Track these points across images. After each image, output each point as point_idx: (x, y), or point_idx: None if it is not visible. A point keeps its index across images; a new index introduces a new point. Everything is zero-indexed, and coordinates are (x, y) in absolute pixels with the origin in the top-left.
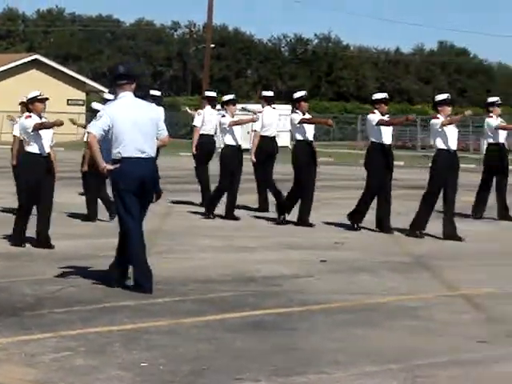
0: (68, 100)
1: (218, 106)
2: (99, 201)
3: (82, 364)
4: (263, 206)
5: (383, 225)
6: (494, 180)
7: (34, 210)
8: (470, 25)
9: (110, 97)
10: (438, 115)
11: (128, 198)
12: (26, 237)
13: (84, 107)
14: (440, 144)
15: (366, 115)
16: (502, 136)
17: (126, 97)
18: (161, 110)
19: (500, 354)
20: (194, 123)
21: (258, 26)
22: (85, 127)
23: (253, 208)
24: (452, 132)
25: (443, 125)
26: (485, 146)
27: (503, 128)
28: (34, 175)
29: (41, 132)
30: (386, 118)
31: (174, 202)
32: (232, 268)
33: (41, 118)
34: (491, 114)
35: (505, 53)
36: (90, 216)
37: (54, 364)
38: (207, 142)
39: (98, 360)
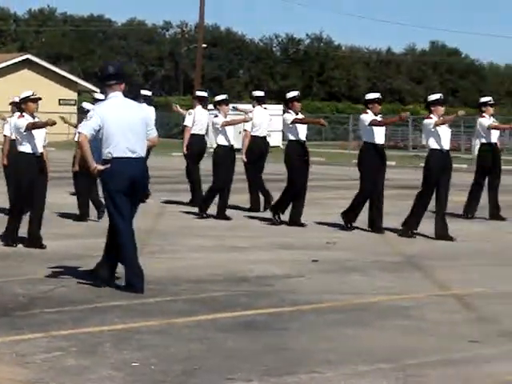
0: (60, 100)
1: (210, 106)
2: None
3: (74, 364)
4: (255, 205)
5: (375, 225)
6: (487, 180)
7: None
8: (462, 25)
9: (101, 97)
10: (431, 115)
11: (119, 198)
12: (18, 237)
13: (76, 107)
14: (433, 144)
15: (359, 115)
16: (495, 136)
17: (116, 97)
18: (152, 110)
19: (491, 353)
20: (185, 123)
21: (250, 25)
22: (76, 126)
23: (244, 208)
24: (445, 132)
25: (436, 125)
26: (477, 146)
27: (496, 128)
28: (28, 175)
29: (34, 132)
30: (378, 118)
31: (165, 202)
32: (224, 268)
33: (33, 117)
34: (484, 114)
35: (496, 53)
36: (82, 216)
37: (45, 364)
38: (198, 142)
39: (90, 360)
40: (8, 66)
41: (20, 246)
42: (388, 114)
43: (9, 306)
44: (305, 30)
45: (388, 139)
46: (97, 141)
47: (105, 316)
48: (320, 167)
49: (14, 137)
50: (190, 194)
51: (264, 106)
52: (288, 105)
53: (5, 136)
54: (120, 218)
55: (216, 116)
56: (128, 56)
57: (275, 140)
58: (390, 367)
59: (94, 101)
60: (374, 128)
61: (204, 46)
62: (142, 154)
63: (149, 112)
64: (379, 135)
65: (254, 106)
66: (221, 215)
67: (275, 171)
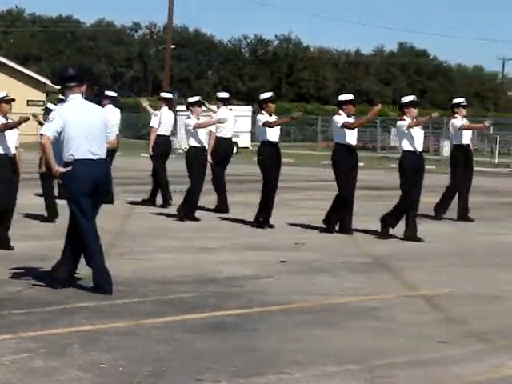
0: (28, 101)
1: (183, 107)
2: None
3: (42, 365)
4: (222, 206)
5: (344, 226)
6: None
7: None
8: (430, 26)
9: None
10: (404, 117)
11: (82, 200)
12: None
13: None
14: (406, 146)
15: (331, 116)
16: (467, 137)
17: (76, 99)
18: (117, 111)
19: (459, 354)
20: (150, 124)
21: (219, 27)
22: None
23: (211, 209)
24: (418, 134)
25: (409, 127)
26: (446, 148)
27: (468, 128)
28: (1, 176)
29: (6, 133)
30: (351, 119)
31: (132, 203)
32: (192, 269)
33: (7, 119)
34: (456, 115)
35: (464, 54)
36: (50, 217)
37: (13, 365)
38: (164, 143)
39: (58, 361)
40: None
41: None
42: (356, 115)
43: None
44: (273, 31)
45: (357, 140)
46: (58, 143)
47: (73, 317)
48: (289, 168)
49: None
50: (148, 195)
51: (229, 107)
52: (262, 106)
53: None
54: (85, 220)
55: (189, 117)
56: (97, 57)
57: (244, 141)
58: (358, 368)
59: (58, 101)
60: (346, 129)
61: (173, 46)
62: (103, 155)
63: (113, 113)
64: (351, 136)
65: (218, 107)
66: (189, 216)
67: (248, 172)
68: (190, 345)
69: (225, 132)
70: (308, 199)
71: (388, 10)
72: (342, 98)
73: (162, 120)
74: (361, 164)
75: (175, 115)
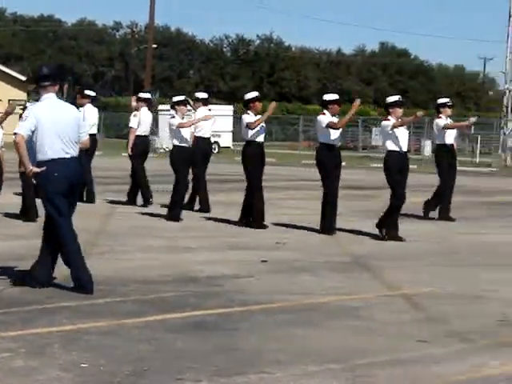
0: (9, 100)
1: (162, 107)
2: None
3: (22, 365)
4: (204, 206)
5: (326, 225)
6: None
7: None
8: (411, 26)
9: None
10: (389, 117)
11: (58, 199)
12: None
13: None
14: (391, 146)
15: (314, 116)
16: (451, 137)
17: (50, 98)
18: (95, 110)
19: (439, 353)
20: (130, 124)
21: (200, 26)
22: None
23: (194, 209)
24: (403, 134)
25: (394, 127)
26: (428, 147)
27: (452, 127)
28: None
29: None
30: (335, 119)
31: (112, 202)
32: (173, 268)
33: None
34: (441, 115)
35: (445, 54)
36: (30, 216)
37: None
38: (143, 143)
39: (38, 361)
40: None
41: None
42: (339, 114)
43: None
44: (255, 31)
45: None
46: (32, 142)
47: (53, 317)
48: (270, 168)
49: None
50: (127, 195)
51: (208, 107)
52: (248, 106)
53: None
54: (61, 219)
55: (173, 117)
56: (78, 56)
57: (225, 141)
58: (339, 367)
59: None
60: (331, 129)
61: (154, 46)
62: (76, 154)
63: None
64: (335, 136)
65: (197, 107)
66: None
67: (229, 172)
68: (170, 344)
69: (203, 132)
70: (289, 198)
71: (369, 9)
72: (328, 97)
73: (140, 120)
74: (342, 163)
75: (156, 115)
